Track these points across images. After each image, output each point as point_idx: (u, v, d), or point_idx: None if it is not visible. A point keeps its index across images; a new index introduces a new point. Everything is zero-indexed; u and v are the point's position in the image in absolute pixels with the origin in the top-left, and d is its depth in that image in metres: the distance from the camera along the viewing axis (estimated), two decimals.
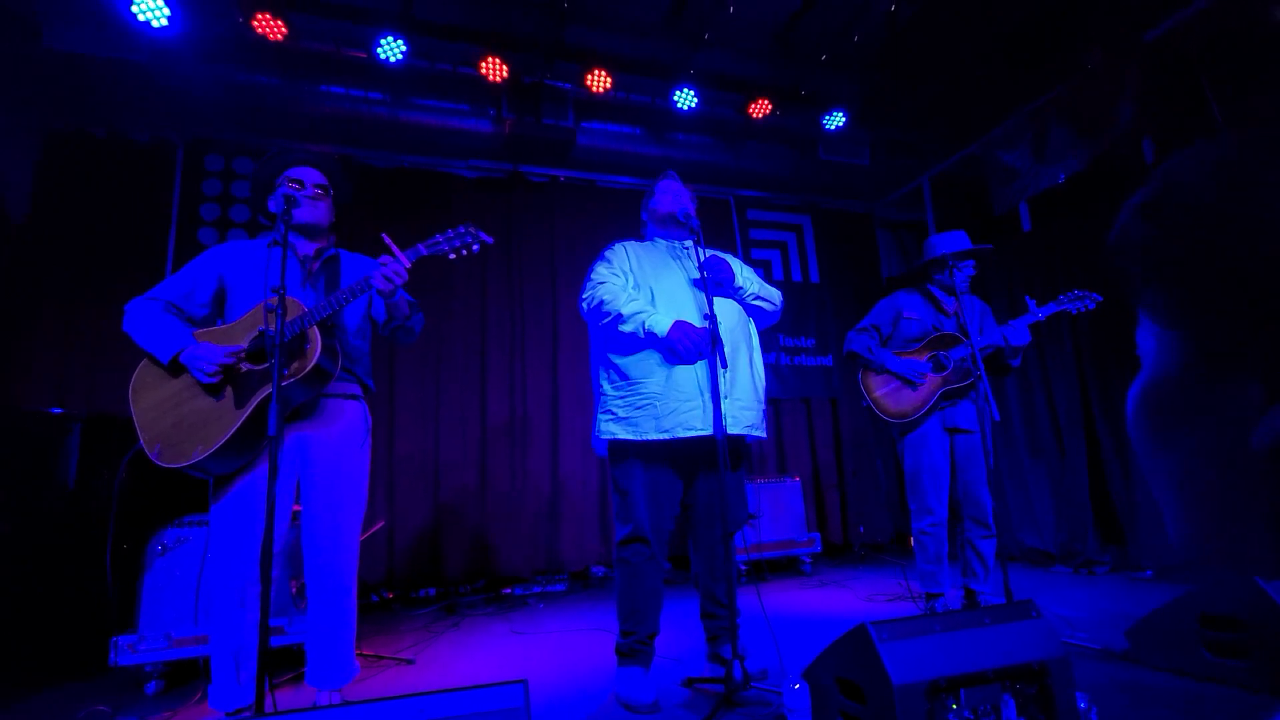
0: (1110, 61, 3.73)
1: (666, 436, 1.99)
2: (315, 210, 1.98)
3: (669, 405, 2.00)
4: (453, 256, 1.90)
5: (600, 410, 2.13)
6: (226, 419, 1.74)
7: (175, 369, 1.79)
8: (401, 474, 3.99)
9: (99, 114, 3.75)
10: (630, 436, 2.02)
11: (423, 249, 1.88)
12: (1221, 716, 1.64)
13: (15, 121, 3.66)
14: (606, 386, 2.13)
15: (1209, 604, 1.88)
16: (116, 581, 2.17)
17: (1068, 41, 3.87)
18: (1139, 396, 0.41)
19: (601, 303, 2.07)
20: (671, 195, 2.26)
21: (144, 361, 1.82)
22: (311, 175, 2.01)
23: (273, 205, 1.99)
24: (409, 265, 1.86)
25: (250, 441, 1.77)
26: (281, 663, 2.42)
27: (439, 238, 1.89)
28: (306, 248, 2.01)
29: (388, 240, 1.87)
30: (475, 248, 1.89)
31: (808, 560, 4.19)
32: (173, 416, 1.76)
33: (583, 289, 2.18)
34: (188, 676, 2.41)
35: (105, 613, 2.30)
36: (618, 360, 2.10)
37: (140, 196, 3.80)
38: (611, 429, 2.06)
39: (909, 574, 3.67)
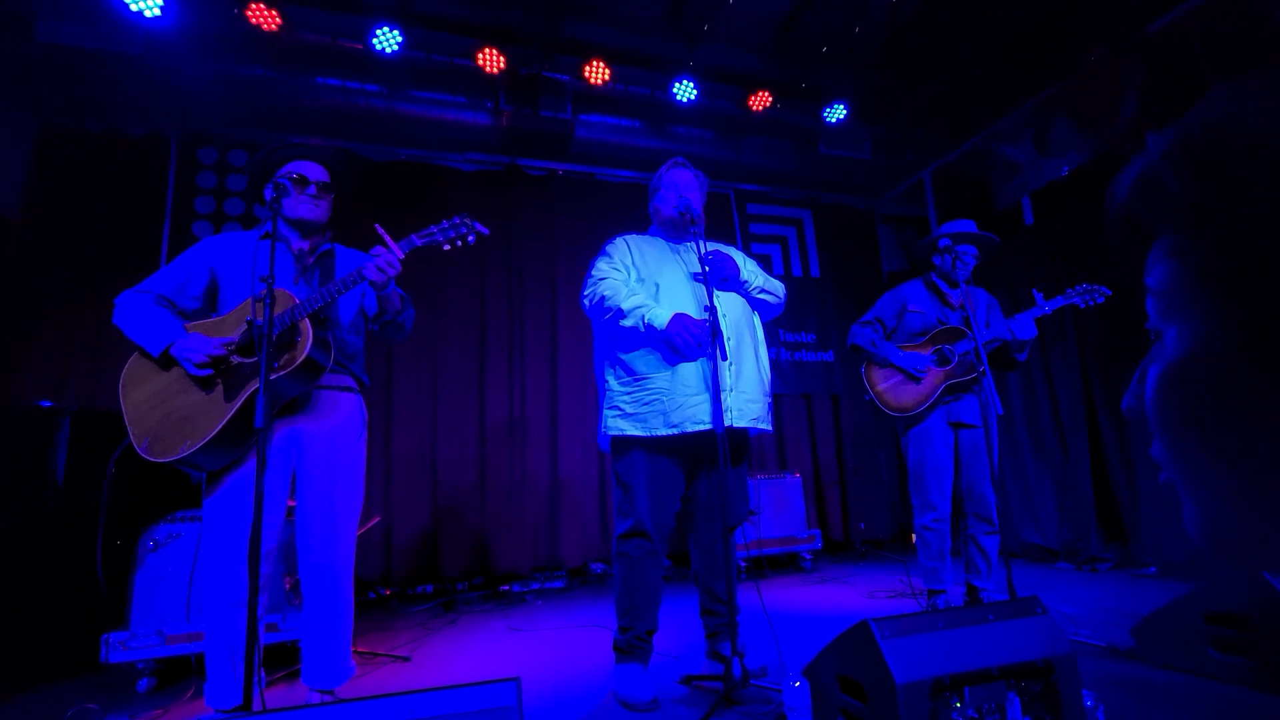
0: (1113, 54, 3.70)
1: (675, 432, 1.97)
2: (316, 209, 1.96)
3: (676, 400, 1.98)
4: (447, 247, 1.88)
5: (607, 406, 2.10)
6: (215, 413, 1.71)
7: (166, 362, 1.76)
8: (399, 470, 3.97)
9: (92, 108, 3.71)
10: (639, 433, 2.00)
11: (416, 239, 1.86)
12: (1227, 715, 1.62)
13: (8, 116, 3.62)
14: (613, 382, 2.10)
15: (1215, 601, 1.86)
16: (106, 578, 2.14)
17: (1070, 34, 3.84)
18: (1165, 377, 0.36)
19: (603, 299, 2.05)
20: (675, 192, 2.21)
21: (134, 355, 1.79)
22: (315, 172, 1.97)
23: (269, 195, 1.96)
24: (403, 256, 1.84)
25: (241, 435, 1.74)
26: (276, 660, 2.40)
27: (433, 228, 1.87)
28: (301, 242, 1.98)
29: (380, 231, 1.84)
30: (470, 238, 1.87)
31: (808, 557, 4.16)
32: (162, 410, 1.72)
33: (584, 285, 2.16)
34: (180, 674, 2.38)
35: (97, 609, 2.27)
36: (624, 356, 2.08)
37: (135, 191, 3.76)
38: (620, 425, 2.04)
39: (911, 570, 3.65)
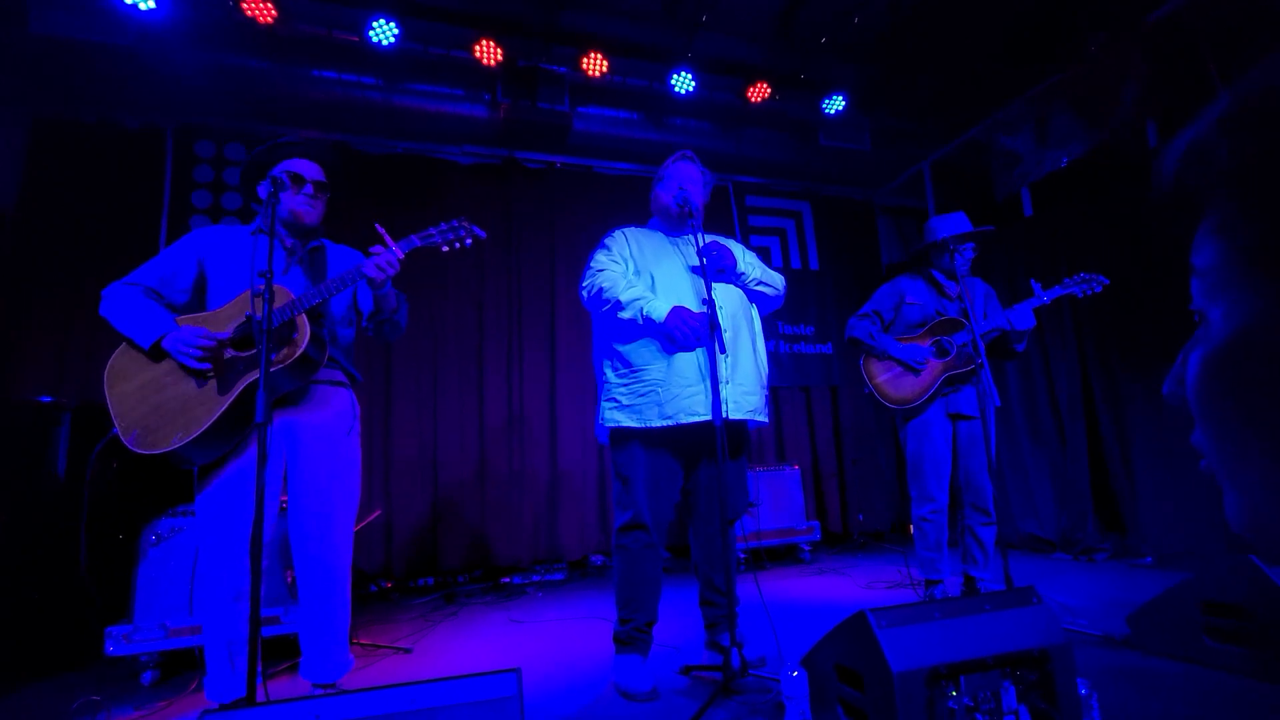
0: (1114, 44, 3.68)
1: (670, 423, 1.98)
2: (312, 209, 1.95)
3: (671, 392, 1.99)
4: (446, 249, 1.90)
5: (604, 398, 2.12)
6: (209, 405, 1.70)
7: (156, 354, 1.75)
8: (399, 463, 3.97)
9: (88, 100, 3.69)
10: (634, 424, 2.02)
11: (416, 240, 1.87)
12: (1222, 703, 1.63)
13: (2, 108, 3.60)
14: (610, 374, 2.11)
15: (1210, 590, 1.87)
16: (99, 571, 2.15)
17: (1070, 24, 3.82)
18: (1209, 360, 0.35)
19: (601, 290, 2.05)
20: (676, 184, 2.20)
21: (121, 347, 1.77)
22: (311, 170, 1.95)
23: (262, 191, 1.95)
24: (402, 256, 1.84)
25: (234, 428, 1.73)
26: (278, 652, 2.42)
27: (432, 230, 1.88)
28: (291, 239, 1.98)
29: (381, 230, 1.85)
30: (468, 241, 1.90)
31: (807, 548, 4.18)
32: (152, 402, 1.71)
33: (583, 276, 2.16)
34: (184, 666, 2.40)
35: (98, 603, 2.28)
36: (620, 348, 2.09)
37: (131, 184, 3.74)
38: (615, 416, 2.05)
39: (910, 561, 3.67)
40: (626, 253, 2.17)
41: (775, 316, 4.91)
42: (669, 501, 2.09)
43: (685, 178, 2.22)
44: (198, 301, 1.92)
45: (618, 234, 2.22)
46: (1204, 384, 0.36)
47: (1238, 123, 0.31)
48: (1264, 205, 0.31)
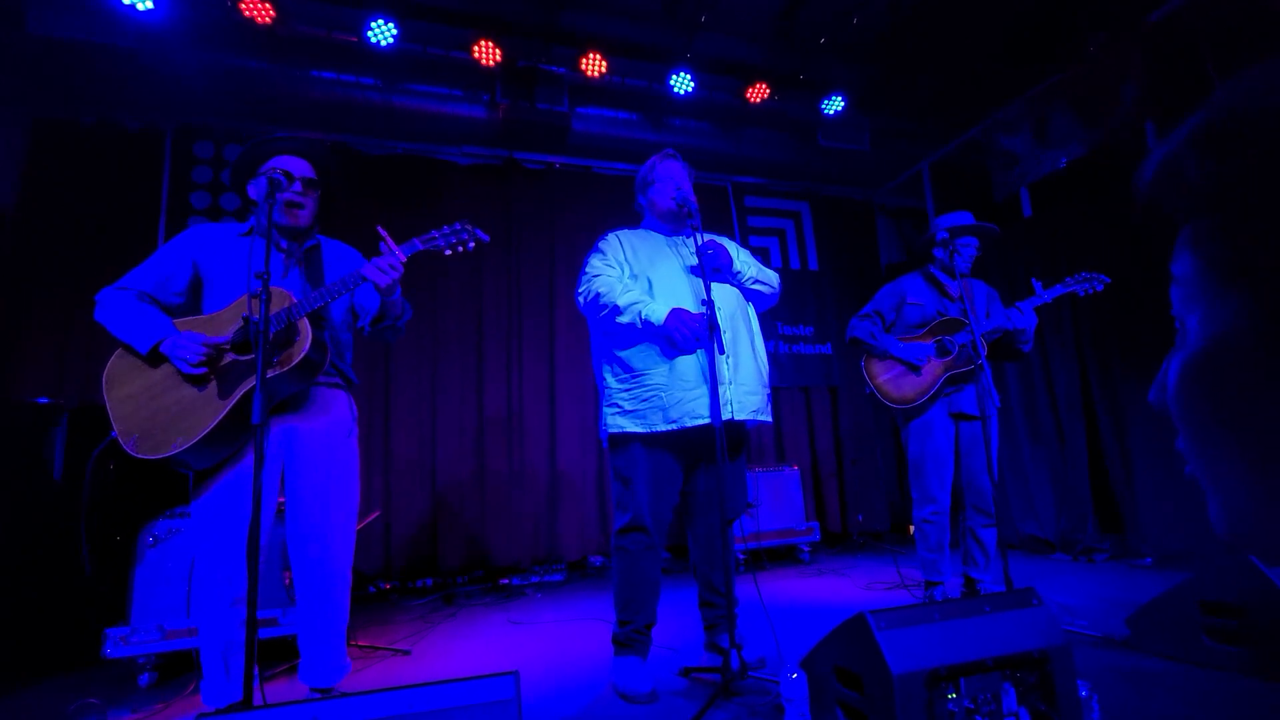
0: (1114, 44, 3.68)
1: (674, 427, 1.98)
2: (299, 215, 1.91)
3: (674, 395, 1.98)
4: (449, 252, 1.86)
5: (606, 404, 2.10)
6: (210, 410, 1.69)
7: (155, 359, 1.74)
8: (398, 464, 3.97)
9: (87, 101, 3.69)
10: (639, 429, 2.01)
11: (418, 244, 1.84)
12: (1222, 703, 1.63)
13: (2, 108, 3.60)
14: (611, 380, 2.10)
15: (1209, 591, 1.87)
16: (101, 573, 2.15)
17: (1070, 24, 3.82)
18: (1187, 367, 0.35)
19: (598, 296, 2.04)
20: (672, 184, 2.19)
21: (118, 352, 1.76)
22: (299, 167, 1.91)
23: (253, 191, 1.92)
24: (405, 259, 1.81)
25: (234, 433, 1.72)
26: (277, 654, 2.41)
27: (435, 234, 1.85)
28: (287, 240, 1.97)
29: (382, 232, 1.82)
30: (470, 245, 1.85)
31: (806, 549, 4.18)
32: (151, 407, 1.70)
33: (578, 283, 2.14)
34: (182, 668, 2.39)
35: (96, 605, 2.27)
36: (620, 353, 2.08)
37: (130, 185, 3.74)
38: (620, 422, 2.04)
39: (907, 562, 3.66)
40: (621, 256, 2.15)
41: (774, 317, 4.92)
42: (669, 503, 2.08)
43: (678, 176, 2.21)
44: (193, 302, 1.90)
45: (611, 237, 2.20)
46: (1183, 390, 0.36)
47: (1205, 141, 0.32)
48: (1232, 222, 0.32)
